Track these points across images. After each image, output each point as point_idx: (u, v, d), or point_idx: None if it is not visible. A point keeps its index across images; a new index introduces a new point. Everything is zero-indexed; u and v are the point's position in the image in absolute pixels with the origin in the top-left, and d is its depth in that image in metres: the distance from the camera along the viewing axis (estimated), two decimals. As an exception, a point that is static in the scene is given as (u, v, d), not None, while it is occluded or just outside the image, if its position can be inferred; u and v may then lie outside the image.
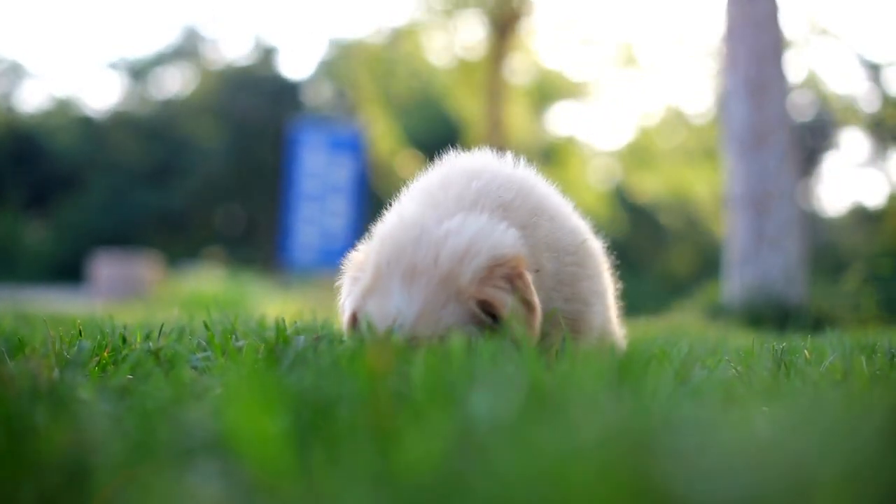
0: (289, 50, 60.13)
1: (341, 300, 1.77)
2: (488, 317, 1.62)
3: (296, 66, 66.16)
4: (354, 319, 1.69)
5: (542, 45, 19.13)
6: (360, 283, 1.69)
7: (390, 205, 1.90)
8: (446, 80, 19.54)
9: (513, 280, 1.63)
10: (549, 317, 1.75)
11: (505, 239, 1.65)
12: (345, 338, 1.74)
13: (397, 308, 1.60)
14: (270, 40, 36.01)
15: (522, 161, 1.95)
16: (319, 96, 34.94)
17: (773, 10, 7.55)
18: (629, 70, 19.70)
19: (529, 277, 1.65)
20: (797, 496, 0.68)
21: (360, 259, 1.74)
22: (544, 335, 1.73)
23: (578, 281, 1.85)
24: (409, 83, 20.90)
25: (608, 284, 2.03)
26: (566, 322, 1.79)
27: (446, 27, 18.89)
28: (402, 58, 19.92)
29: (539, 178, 1.95)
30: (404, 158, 18.86)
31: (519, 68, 19.03)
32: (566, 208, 1.96)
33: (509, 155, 1.94)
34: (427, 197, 1.78)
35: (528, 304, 1.63)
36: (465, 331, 1.58)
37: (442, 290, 1.59)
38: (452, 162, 1.91)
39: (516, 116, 19.14)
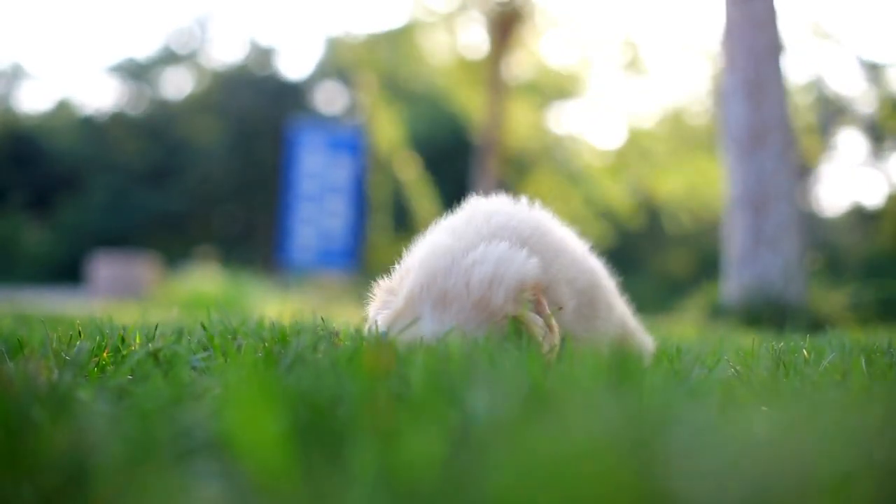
0: (287, 50, 60.24)
1: (369, 320, 1.90)
2: None
3: (295, 66, 66.25)
4: None
5: (543, 43, 19.10)
6: (392, 307, 1.82)
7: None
8: (448, 79, 19.48)
9: (536, 303, 1.77)
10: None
11: (527, 265, 1.80)
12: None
13: (431, 332, 1.71)
14: (269, 40, 36.04)
15: (537, 204, 2.14)
16: (318, 97, 34.94)
17: (772, 10, 7.55)
18: (630, 69, 19.68)
19: (545, 301, 1.80)
20: (796, 496, 0.68)
21: (391, 285, 1.88)
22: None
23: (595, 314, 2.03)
24: (410, 82, 20.86)
25: (626, 315, 2.24)
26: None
27: (447, 26, 18.85)
28: (403, 57, 19.86)
29: (554, 219, 2.13)
30: (405, 157, 18.81)
31: (521, 67, 18.99)
32: (581, 248, 2.14)
33: (524, 199, 2.13)
34: (452, 231, 1.96)
35: (549, 326, 1.78)
36: None
37: (474, 315, 1.73)
38: (475, 204, 2.10)
39: (518, 115, 19.12)
